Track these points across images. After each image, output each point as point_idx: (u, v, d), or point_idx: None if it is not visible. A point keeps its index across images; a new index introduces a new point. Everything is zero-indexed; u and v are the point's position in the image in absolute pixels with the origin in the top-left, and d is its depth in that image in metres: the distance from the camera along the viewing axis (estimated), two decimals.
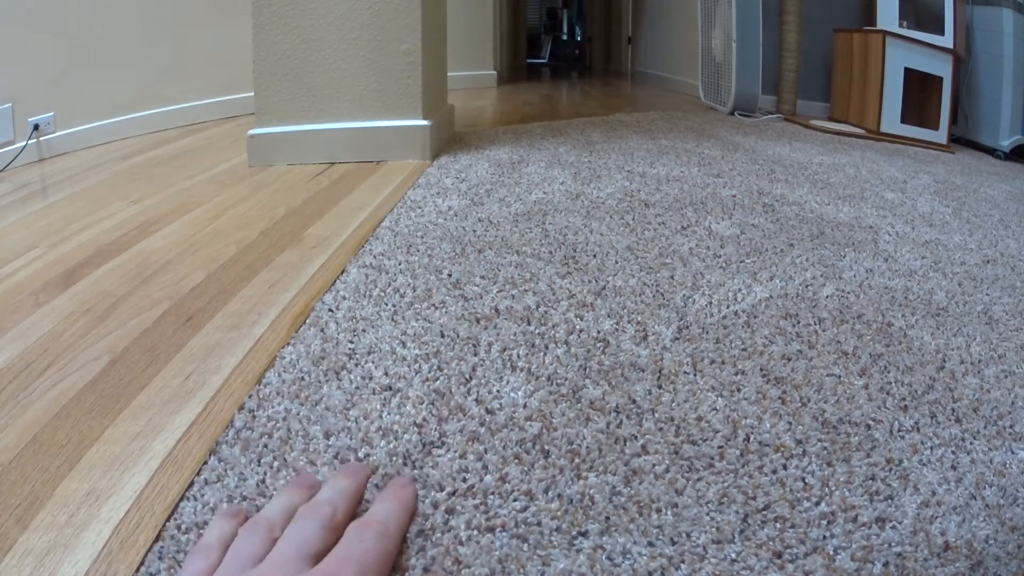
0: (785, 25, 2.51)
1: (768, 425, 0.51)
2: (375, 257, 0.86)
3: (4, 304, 0.75)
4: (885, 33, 2.12)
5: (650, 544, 0.39)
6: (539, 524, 0.40)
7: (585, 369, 0.59)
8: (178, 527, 0.41)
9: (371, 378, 0.57)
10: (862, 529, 0.41)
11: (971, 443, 0.50)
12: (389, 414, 0.52)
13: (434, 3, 1.53)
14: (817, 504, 0.43)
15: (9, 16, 1.68)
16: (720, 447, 0.48)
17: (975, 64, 2.17)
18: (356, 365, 0.59)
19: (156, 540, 0.40)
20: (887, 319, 0.72)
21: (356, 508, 0.40)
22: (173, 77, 2.21)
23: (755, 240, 0.96)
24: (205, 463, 0.47)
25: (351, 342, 0.63)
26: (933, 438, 0.51)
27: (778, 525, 0.41)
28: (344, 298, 0.73)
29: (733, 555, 0.39)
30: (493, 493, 0.43)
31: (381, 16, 1.41)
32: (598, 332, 0.66)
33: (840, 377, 0.59)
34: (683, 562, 0.38)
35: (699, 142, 1.78)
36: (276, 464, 0.46)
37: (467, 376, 0.57)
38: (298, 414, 0.52)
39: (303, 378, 0.57)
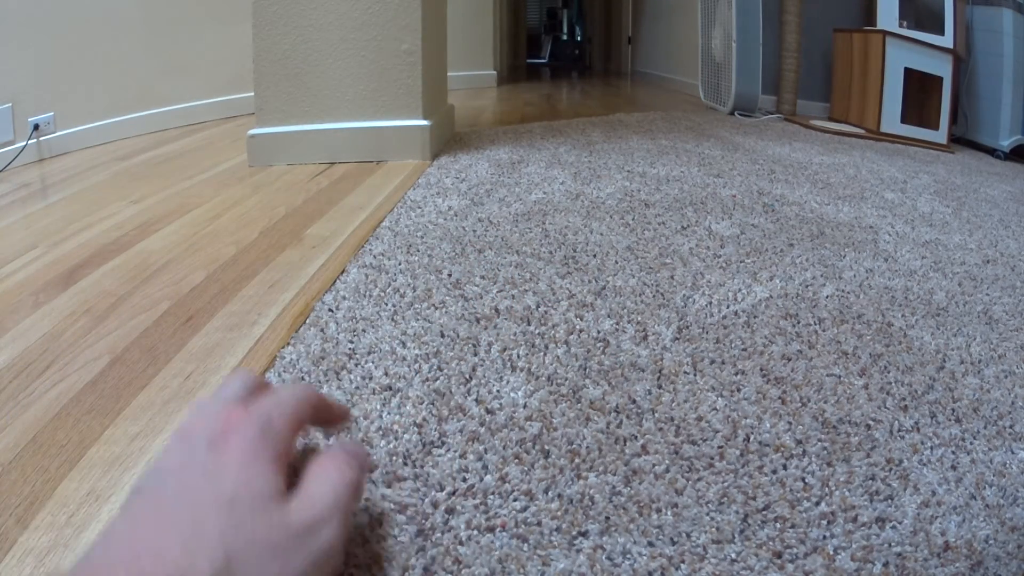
0: (785, 25, 2.51)
1: (768, 425, 0.51)
2: (375, 257, 0.86)
3: (4, 304, 0.75)
4: (885, 33, 2.12)
5: (650, 544, 0.39)
6: (539, 524, 0.40)
7: (585, 369, 0.59)
8: None
9: (371, 378, 0.57)
10: (862, 529, 0.41)
11: (971, 443, 0.50)
12: (389, 414, 0.52)
13: (434, 3, 1.53)
14: (817, 504, 0.43)
15: (9, 16, 1.68)
16: (720, 447, 0.48)
17: (975, 64, 2.17)
18: (356, 365, 0.59)
19: None
20: (887, 319, 0.72)
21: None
22: (173, 77, 2.21)
23: (755, 240, 0.96)
24: None
25: (351, 342, 0.63)
26: (933, 438, 0.51)
27: (778, 525, 0.41)
28: (344, 298, 0.73)
29: (733, 555, 0.39)
30: (493, 493, 0.43)
31: (381, 16, 1.41)
32: (598, 332, 0.66)
33: (840, 377, 0.59)
34: (683, 562, 0.38)
35: (699, 142, 1.78)
36: None
37: (467, 376, 0.57)
38: None
39: (303, 378, 0.57)
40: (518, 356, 0.61)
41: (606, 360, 0.60)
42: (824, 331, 0.68)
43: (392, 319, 0.68)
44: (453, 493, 0.43)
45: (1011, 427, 0.53)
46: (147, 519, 0.29)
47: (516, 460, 0.46)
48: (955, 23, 2.05)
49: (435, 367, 0.58)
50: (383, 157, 1.46)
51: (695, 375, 0.58)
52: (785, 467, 0.46)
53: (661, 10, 3.95)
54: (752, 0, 2.34)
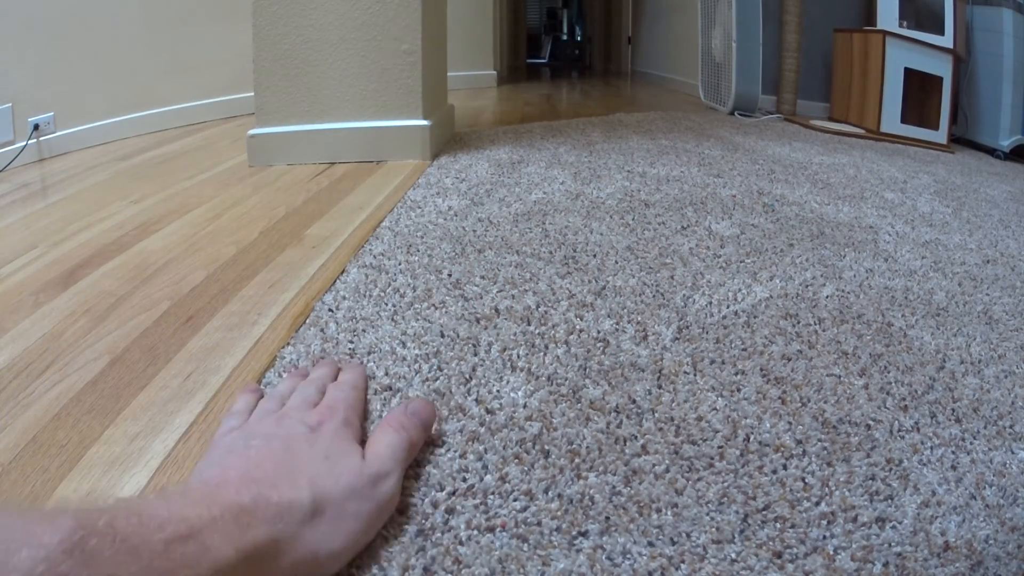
0: (785, 25, 2.51)
1: (768, 425, 0.51)
2: (375, 257, 0.86)
3: (4, 304, 0.75)
4: (885, 33, 2.12)
5: (650, 544, 0.39)
6: (539, 524, 0.40)
7: (585, 369, 0.59)
8: None
9: (371, 378, 0.57)
10: (862, 529, 0.41)
11: (971, 443, 0.50)
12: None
13: (434, 3, 1.53)
14: (817, 504, 0.43)
15: (9, 16, 1.68)
16: (720, 447, 0.48)
17: (975, 64, 2.17)
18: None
19: None
20: (887, 319, 0.72)
21: (332, 381, 0.53)
22: (173, 77, 2.21)
23: (755, 240, 0.96)
24: None
25: (351, 342, 0.63)
26: (933, 438, 0.51)
27: (778, 525, 0.41)
28: (344, 298, 0.73)
29: (733, 555, 0.39)
30: (493, 493, 0.43)
31: (381, 16, 1.41)
32: (598, 332, 0.66)
33: (840, 377, 0.59)
34: (683, 562, 0.38)
35: (699, 142, 1.78)
36: None
37: (467, 376, 0.57)
38: None
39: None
40: (518, 356, 0.61)
41: (606, 360, 0.60)
42: (824, 331, 0.68)
43: (392, 319, 0.68)
44: (453, 493, 0.43)
45: (1011, 427, 0.53)
46: (260, 456, 0.38)
47: (516, 460, 0.46)
48: (955, 23, 2.05)
49: (435, 367, 0.58)
50: (383, 157, 1.46)
51: (695, 375, 0.58)
52: (785, 467, 0.46)
53: (661, 10, 3.95)
54: (752, 0, 2.34)
